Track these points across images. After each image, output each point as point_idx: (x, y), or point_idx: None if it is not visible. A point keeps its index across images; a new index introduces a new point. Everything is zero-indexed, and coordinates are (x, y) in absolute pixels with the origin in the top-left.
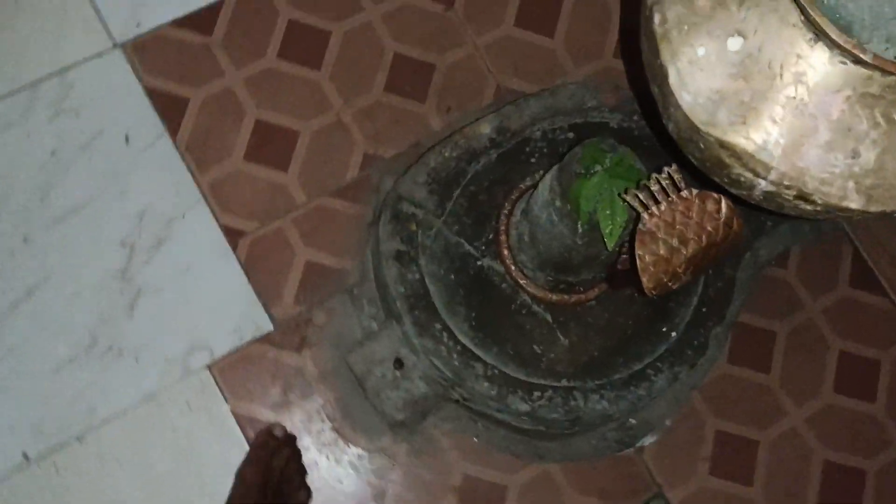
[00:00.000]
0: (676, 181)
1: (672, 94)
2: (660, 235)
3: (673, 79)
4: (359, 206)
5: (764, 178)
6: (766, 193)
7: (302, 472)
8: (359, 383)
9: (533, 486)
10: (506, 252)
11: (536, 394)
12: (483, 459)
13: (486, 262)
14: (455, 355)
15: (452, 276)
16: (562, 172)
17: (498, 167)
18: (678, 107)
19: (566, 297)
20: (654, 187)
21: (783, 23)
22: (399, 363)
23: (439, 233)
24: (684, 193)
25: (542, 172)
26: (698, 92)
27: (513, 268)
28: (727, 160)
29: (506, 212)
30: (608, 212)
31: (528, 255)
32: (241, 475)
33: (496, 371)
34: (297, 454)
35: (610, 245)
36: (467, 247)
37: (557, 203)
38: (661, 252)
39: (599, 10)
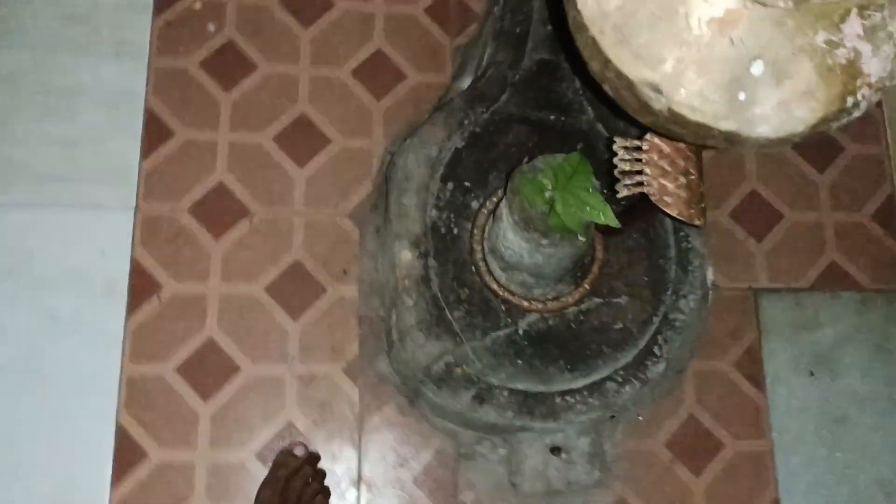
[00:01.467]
0: (630, 144)
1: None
2: (670, 188)
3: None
4: None
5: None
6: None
7: (325, 492)
8: None
9: None
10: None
11: None
12: None
13: None
14: None
15: None
16: (525, 221)
17: None
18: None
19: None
20: (625, 165)
21: None
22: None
23: None
24: (645, 145)
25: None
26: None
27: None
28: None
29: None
30: (588, 209)
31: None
32: (258, 496)
33: None
34: (319, 474)
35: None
36: None
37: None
38: (682, 194)
39: None
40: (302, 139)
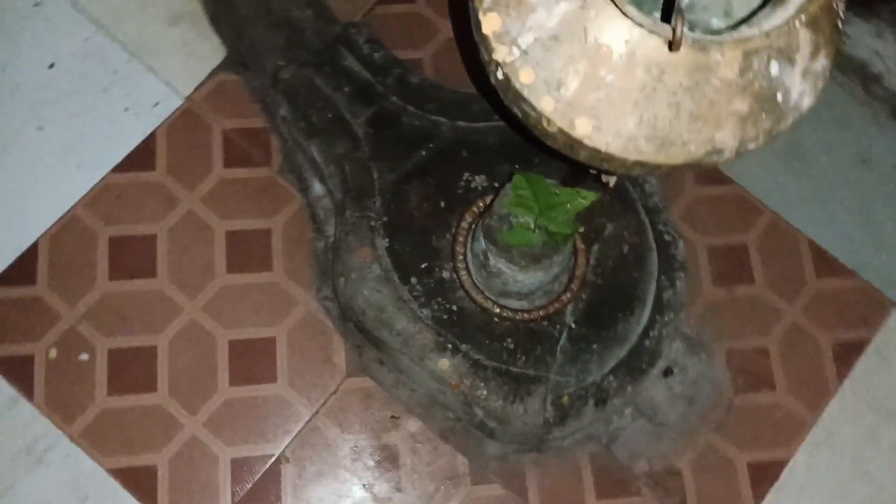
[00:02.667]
0: None
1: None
2: None
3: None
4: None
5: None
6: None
7: None
8: None
9: None
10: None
11: None
12: None
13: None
14: None
15: None
16: (534, 260)
17: None
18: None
19: None
20: None
21: None
22: None
23: None
24: None
25: None
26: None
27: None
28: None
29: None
30: (569, 205)
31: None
32: None
33: None
34: None
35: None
36: None
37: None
38: None
39: None
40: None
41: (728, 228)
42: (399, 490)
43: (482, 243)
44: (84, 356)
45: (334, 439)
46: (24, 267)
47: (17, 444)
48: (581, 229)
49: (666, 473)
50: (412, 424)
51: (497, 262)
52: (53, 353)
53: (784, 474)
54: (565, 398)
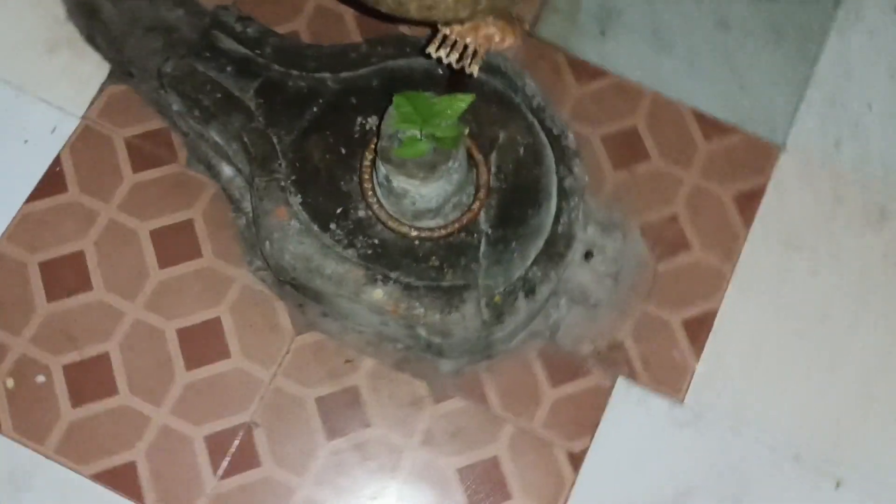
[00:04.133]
0: (437, 43)
1: None
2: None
3: None
4: None
5: None
6: None
7: None
8: None
9: None
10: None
11: None
12: None
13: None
14: None
15: None
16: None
17: None
18: None
19: None
20: (452, 56)
21: None
22: None
23: None
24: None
25: None
26: None
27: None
28: None
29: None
30: (449, 110)
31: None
32: None
33: None
34: None
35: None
36: None
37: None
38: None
39: None
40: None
41: (616, 115)
42: (368, 426)
43: (382, 169)
44: (41, 378)
45: (297, 395)
46: None
47: None
48: (467, 130)
49: (610, 349)
50: (367, 364)
51: (399, 182)
52: (10, 383)
53: (716, 323)
54: (497, 298)
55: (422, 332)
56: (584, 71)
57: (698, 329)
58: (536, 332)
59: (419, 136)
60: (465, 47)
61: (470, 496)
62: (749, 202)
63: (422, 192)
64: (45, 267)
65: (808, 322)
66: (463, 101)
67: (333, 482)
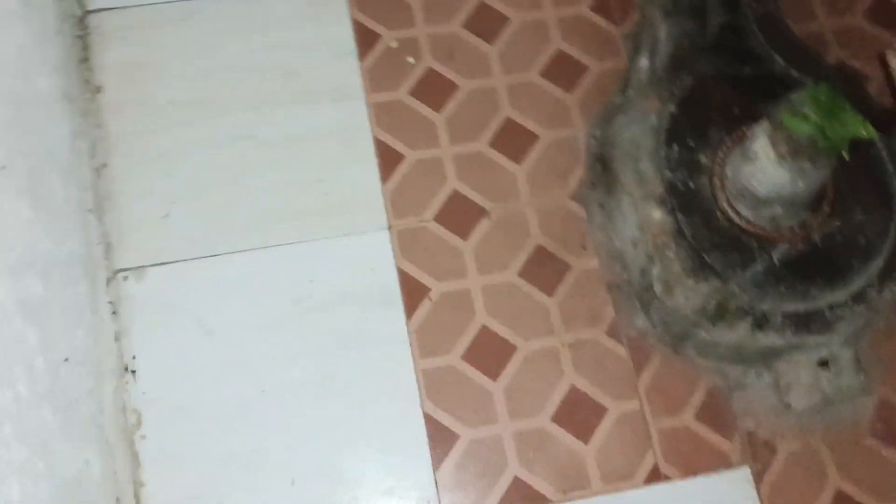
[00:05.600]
0: None
1: None
2: None
3: None
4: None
5: None
6: None
7: None
8: None
9: None
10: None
11: None
12: None
13: None
14: None
15: None
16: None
17: None
18: None
19: None
20: None
21: None
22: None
23: None
24: None
25: None
26: None
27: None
28: None
29: None
30: (850, 127)
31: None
32: None
33: None
34: None
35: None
36: None
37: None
38: None
39: None
40: (513, 140)
41: None
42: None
43: (759, 127)
44: None
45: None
46: None
47: None
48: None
49: (763, 443)
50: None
51: (758, 145)
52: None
53: None
54: (731, 304)
55: (654, 270)
56: None
57: None
58: (724, 373)
59: (809, 119)
60: None
61: None
62: None
63: (767, 171)
64: None
65: None
66: (865, 132)
67: None
